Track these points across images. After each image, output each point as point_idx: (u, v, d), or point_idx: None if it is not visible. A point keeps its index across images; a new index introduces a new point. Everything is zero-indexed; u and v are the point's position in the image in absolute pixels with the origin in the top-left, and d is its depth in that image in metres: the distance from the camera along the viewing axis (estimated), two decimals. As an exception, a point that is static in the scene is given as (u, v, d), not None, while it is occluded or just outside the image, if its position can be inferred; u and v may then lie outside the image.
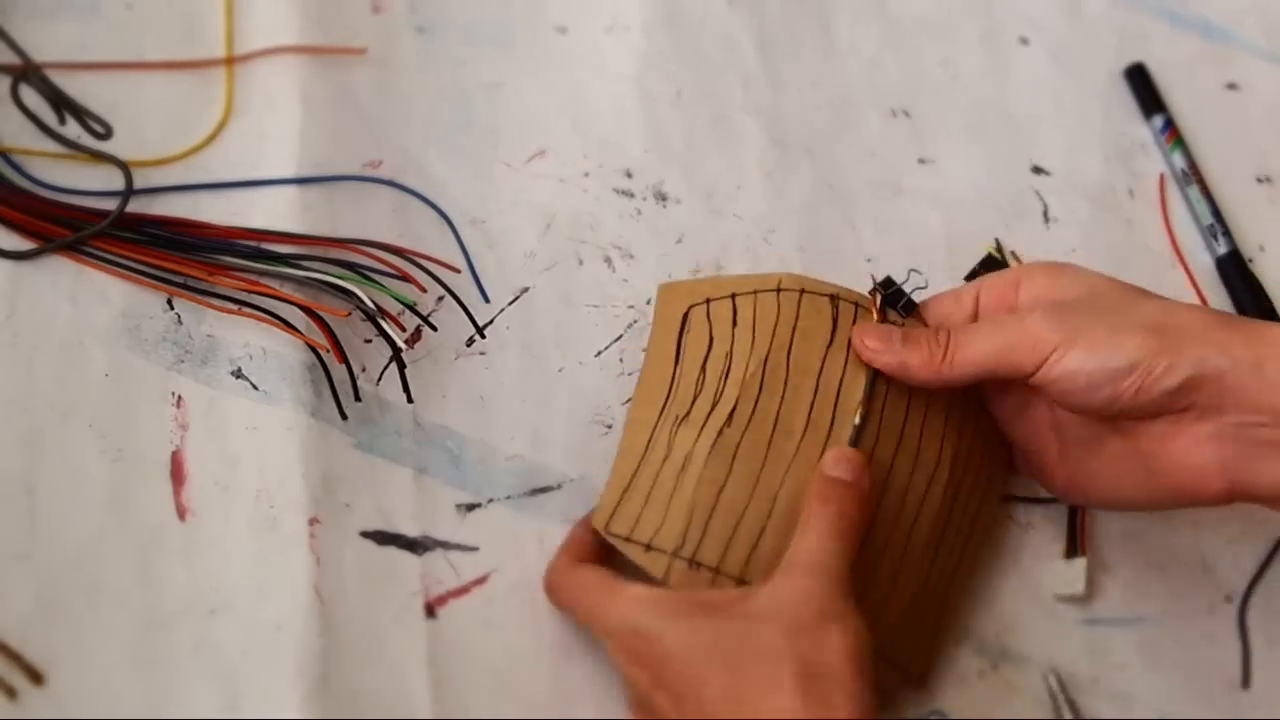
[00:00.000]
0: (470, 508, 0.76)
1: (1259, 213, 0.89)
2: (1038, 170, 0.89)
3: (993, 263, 0.82)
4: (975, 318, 0.75)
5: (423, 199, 0.83)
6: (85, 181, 0.81)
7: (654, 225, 0.84)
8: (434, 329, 0.79)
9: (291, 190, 0.82)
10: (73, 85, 0.83)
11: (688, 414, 0.74)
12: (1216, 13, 0.95)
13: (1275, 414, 0.68)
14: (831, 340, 0.75)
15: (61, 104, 0.82)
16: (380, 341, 0.77)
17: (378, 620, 0.72)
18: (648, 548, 0.71)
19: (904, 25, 0.93)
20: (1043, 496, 0.79)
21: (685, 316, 0.77)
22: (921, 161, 0.89)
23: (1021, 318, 0.71)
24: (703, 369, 0.75)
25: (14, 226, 0.79)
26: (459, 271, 0.80)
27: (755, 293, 0.76)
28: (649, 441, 0.74)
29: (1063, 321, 0.70)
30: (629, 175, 0.86)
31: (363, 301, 0.76)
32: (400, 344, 0.76)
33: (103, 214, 0.79)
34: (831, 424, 0.73)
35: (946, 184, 0.88)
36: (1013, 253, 0.84)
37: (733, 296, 0.77)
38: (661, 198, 0.85)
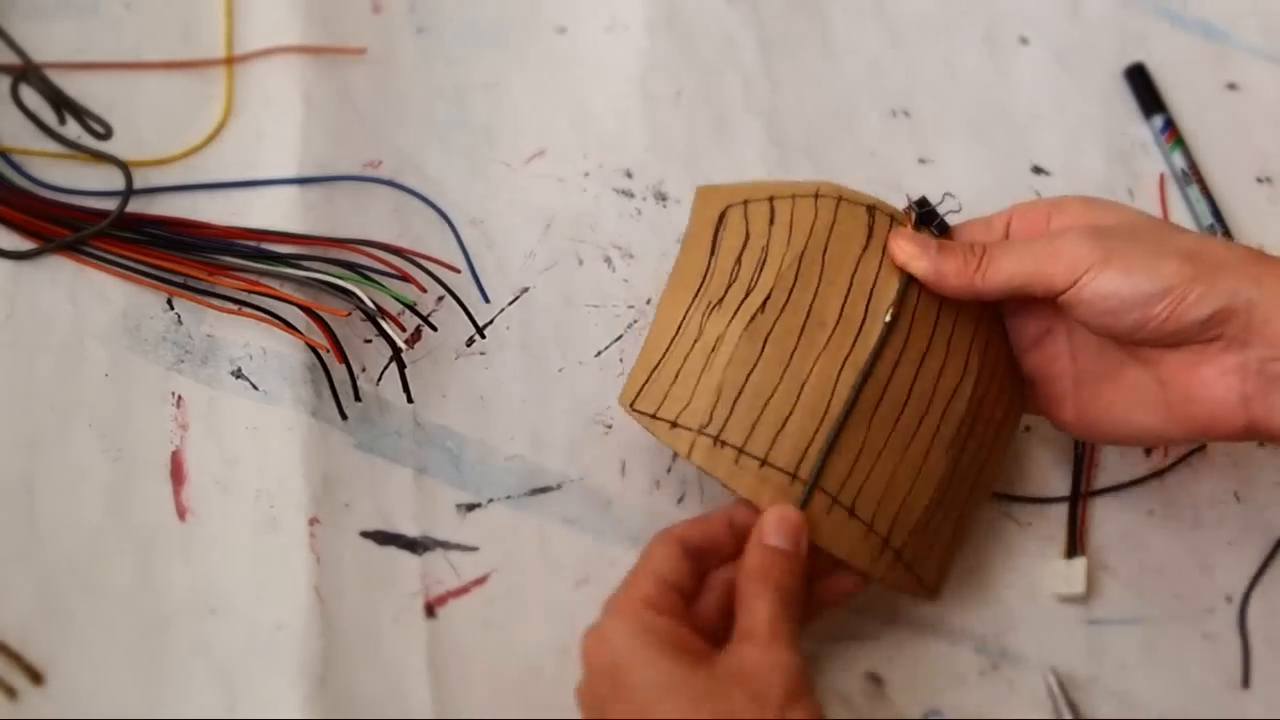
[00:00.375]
0: (470, 508, 0.76)
1: (1259, 213, 0.89)
2: (1038, 170, 0.89)
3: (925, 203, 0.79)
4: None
5: (422, 199, 0.83)
6: (85, 181, 0.81)
7: (654, 225, 0.84)
8: (434, 329, 0.79)
9: (291, 190, 0.82)
10: (73, 85, 0.83)
11: (721, 300, 0.74)
12: (1216, 13, 0.95)
13: None
14: (867, 245, 0.75)
15: (61, 104, 0.82)
16: (380, 341, 0.77)
17: (378, 620, 0.72)
18: (673, 424, 0.72)
19: (904, 25, 0.93)
20: (1043, 496, 0.79)
21: (722, 216, 0.77)
22: (921, 161, 0.89)
23: (1057, 237, 0.71)
24: (738, 260, 0.75)
25: (14, 226, 0.79)
26: (459, 271, 0.80)
27: (793, 197, 0.77)
28: (681, 324, 0.74)
29: (1099, 242, 0.70)
30: (629, 175, 0.86)
31: (363, 301, 0.76)
32: (400, 344, 0.76)
33: (103, 214, 0.79)
34: (864, 320, 0.73)
35: (946, 184, 0.88)
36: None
37: (770, 199, 0.77)
38: (661, 198, 0.85)
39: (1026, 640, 0.76)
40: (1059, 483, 0.79)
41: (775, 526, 0.69)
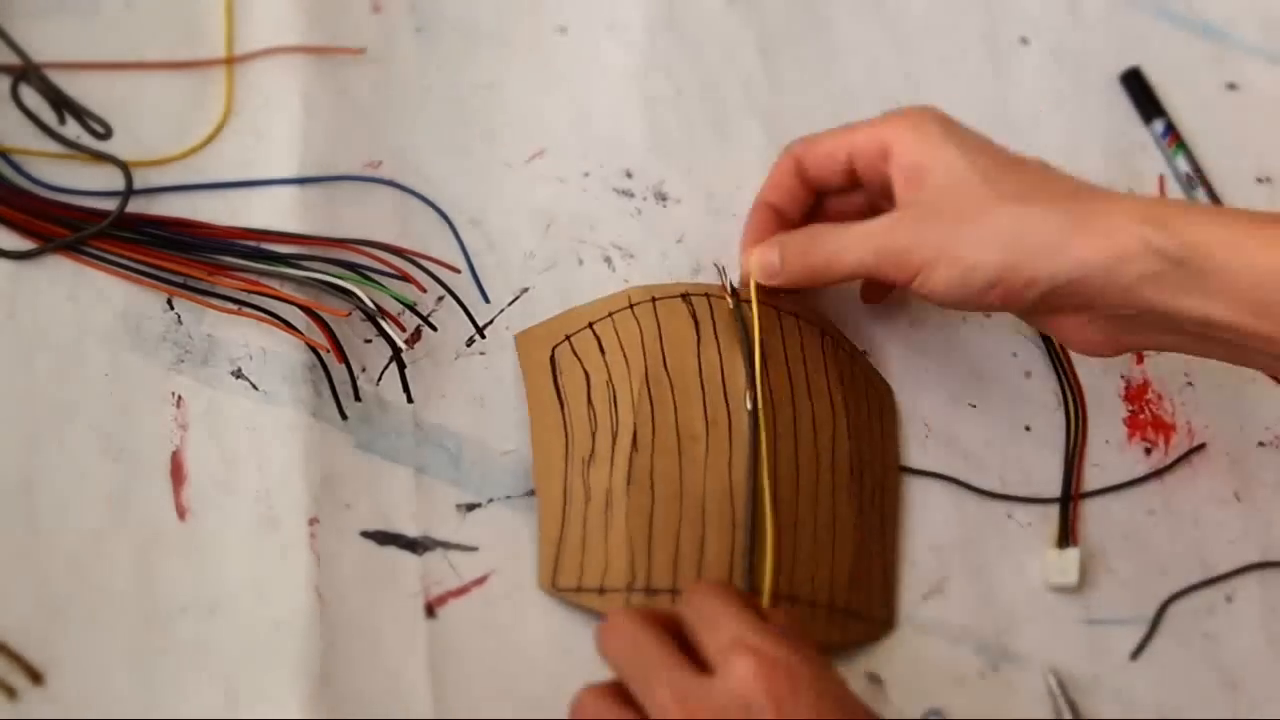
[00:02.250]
0: (470, 508, 0.76)
1: (1259, 213, 0.89)
2: (1038, 170, 0.89)
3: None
4: (850, 174, 0.78)
5: (423, 199, 0.83)
6: (85, 181, 0.81)
7: (654, 225, 0.84)
8: (434, 329, 0.79)
9: (291, 190, 0.82)
10: (73, 85, 0.83)
11: (592, 453, 0.74)
12: (1216, 13, 0.95)
13: (1139, 308, 0.71)
14: (698, 337, 0.76)
15: (61, 104, 0.82)
16: (380, 341, 0.77)
17: (378, 620, 0.72)
18: (601, 591, 0.72)
19: (904, 25, 0.93)
20: (1042, 497, 0.79)
21: (552, 359, 0.77)
22: (921, 161, 0.88)
23: (889, 229, 0.74)
24: (590, 404, 0.75)
25: (14, 226, 0.79)
26: (459, 271, 0.80)
27: (610, 315, 0.78)
28: (565, 491, 0.74)
29: (924, 237, 0.73)
30: (629, 175, 0.86)
31: (363, 301, 0.76)
32: (400, 344, 0.76)
33: (103, 214, 0.79)
34: (729, 414, 0.74)
35: (946, 184, 0.88)
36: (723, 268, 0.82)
37: (590, 326, 0.78)
38: (661, 198, 0.85)
39: (1026, 640, 0.76)
40: (1060, 484, 0.79)
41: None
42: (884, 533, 0.76)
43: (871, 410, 0.78)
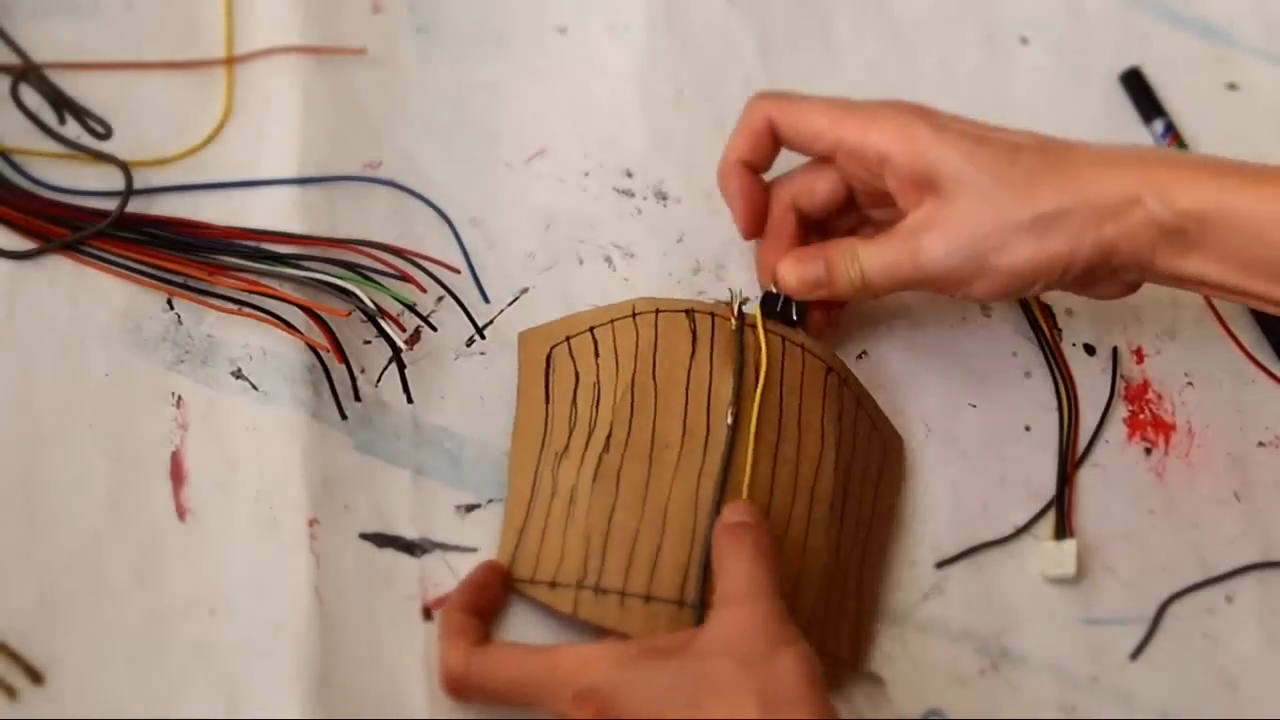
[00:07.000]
0: (469, 508, 0.76)
1: (1259, 213, 0.89)
2: (1038, 170, 0.89)
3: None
4: (827, 156, 0.79)
5: (423, 199, 0.83)
6: (85, 181, 0.81)
7: (654, 225, 0.84)
8: (434, 329, 0.79)
9: (291, 190, 0.82)
10: (73, 85, 0.83)
11: (566, 448, 0.74)
12: (1216, 13, 0.95)
13: (1151, 271, 0.74)
14: (694, 352, 0.76)
15: (61, 104, 0.82)
16: (380, 342, 0.77)
17: (376, 622, 0.72)
18: (552, 585, 0.72)
19: (904, 25, 0.93)
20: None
21: (549, 358, 0.78)
22: (921, 161, 0.88)
23: (914, 249, 0.75)
24: (573, 403, 0.76)
25: (14, 226, 0.79)
26: (459, 272, 0.80)
27: (612, 322, 0.77)
28: (534, 482, 0.74)
29: (953, 251, 0.74)
30: (629, 175, 0.86)
31: (363, 302, 0.76)
32: (400, 344, 0.76)
33: (103, 214, 0.79)
34: (707, 428, 0.74)
35: (946, 184, 0.88)
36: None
37: (591, 330, 0.78)
38: (661, 197, 0.85)
39: (1026, 640, 0.76)
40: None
41: (732, 510, 0.71)
42: (863, 576, 0.75)
43: (871, 455, 0.77)
